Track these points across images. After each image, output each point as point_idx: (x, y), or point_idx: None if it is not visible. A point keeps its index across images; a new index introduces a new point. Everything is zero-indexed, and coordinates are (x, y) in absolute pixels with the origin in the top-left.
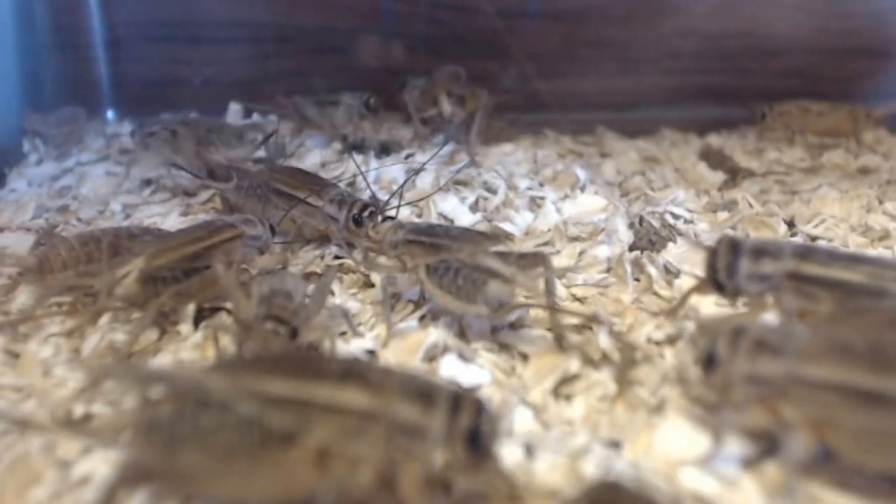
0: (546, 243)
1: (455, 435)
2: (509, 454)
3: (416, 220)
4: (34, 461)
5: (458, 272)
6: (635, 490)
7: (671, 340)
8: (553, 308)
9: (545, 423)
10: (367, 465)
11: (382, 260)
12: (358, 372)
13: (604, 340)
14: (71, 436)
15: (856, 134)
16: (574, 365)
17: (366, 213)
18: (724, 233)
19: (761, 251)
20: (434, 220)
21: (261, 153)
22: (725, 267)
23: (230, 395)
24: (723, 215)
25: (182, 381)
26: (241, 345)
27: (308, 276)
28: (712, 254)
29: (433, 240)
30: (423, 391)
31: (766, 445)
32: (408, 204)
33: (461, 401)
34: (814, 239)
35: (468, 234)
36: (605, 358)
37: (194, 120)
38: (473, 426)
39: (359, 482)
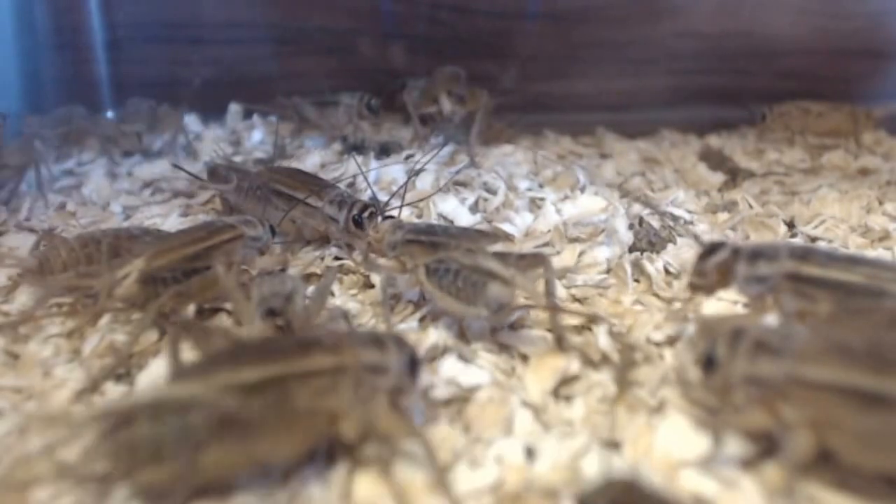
0: (546, 244)
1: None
2: (510, 454)
3: (416, 220)
4: (34, 462)
5: (458, 274)
6: (653, 490)
7: (671, 341)
8: (553, 308)
9: (545, 424)
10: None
11: (382, 261)
12: (314, 340)
13: (604, 341)
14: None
15: (856, 135)
16: (574, 366)
17: (365, 214)
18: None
19: (759, 253)
20: (434, 220)
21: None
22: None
23: (205, 396)
24: (723, 216)
25: (144, 402)
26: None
27: (308, 278)
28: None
29: (432, 239)
30: (374, 339)
31: (766, 446)
32: (408, 205)
33: (401, 340)
34: (814, 240)
35: (467, 234)
36: (605, 359)
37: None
38: (413, 356)
39: (348, 429)
